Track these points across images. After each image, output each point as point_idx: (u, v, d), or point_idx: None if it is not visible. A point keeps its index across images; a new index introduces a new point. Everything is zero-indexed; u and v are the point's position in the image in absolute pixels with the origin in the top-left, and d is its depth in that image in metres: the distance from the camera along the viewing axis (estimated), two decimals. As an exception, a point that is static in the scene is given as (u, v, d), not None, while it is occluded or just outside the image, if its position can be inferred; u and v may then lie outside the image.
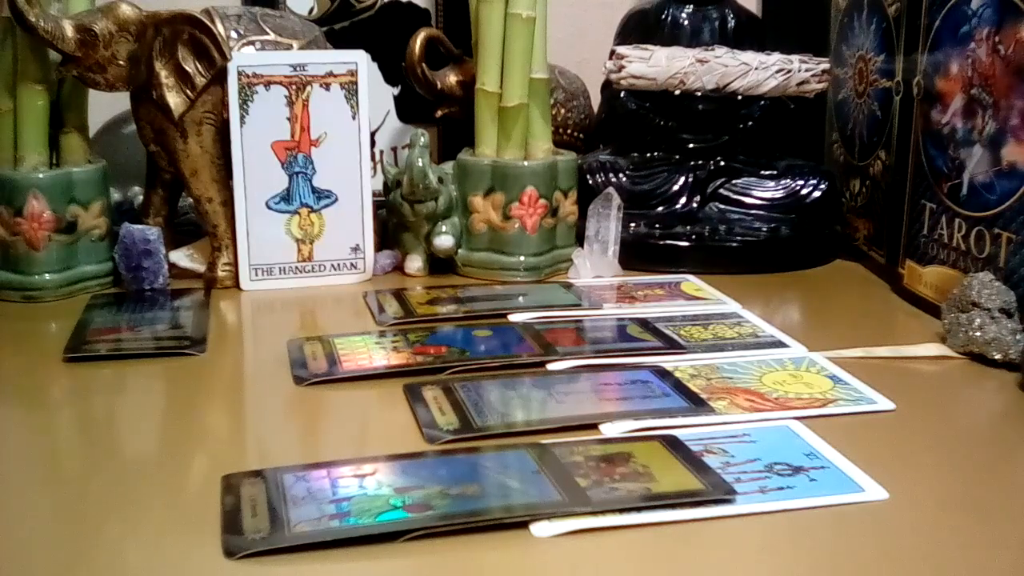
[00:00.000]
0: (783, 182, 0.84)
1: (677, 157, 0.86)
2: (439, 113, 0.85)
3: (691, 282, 0.77)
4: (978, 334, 0.59)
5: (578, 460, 0.45)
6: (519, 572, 0.38)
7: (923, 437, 0.50)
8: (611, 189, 0.79)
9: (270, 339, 0.63)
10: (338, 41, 0.86)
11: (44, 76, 0.72)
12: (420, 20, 0.90)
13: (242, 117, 0.72)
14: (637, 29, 0.90)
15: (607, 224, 0.77)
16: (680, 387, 0.55)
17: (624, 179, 0.84)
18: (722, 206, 0.84)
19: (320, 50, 0.78)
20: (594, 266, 0.77)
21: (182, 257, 0.76)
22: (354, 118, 0.75)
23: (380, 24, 0.90)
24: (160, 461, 0.47)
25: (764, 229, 0.83)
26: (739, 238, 0.82)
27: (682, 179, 0.84)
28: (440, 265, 0.78)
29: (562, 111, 0.92)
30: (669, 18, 0.90)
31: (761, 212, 0.84)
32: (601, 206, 0.78)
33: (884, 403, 0.53)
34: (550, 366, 0.58)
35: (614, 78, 0.84)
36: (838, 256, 0.85)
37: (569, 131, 0.93)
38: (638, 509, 0.41)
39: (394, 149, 0.92)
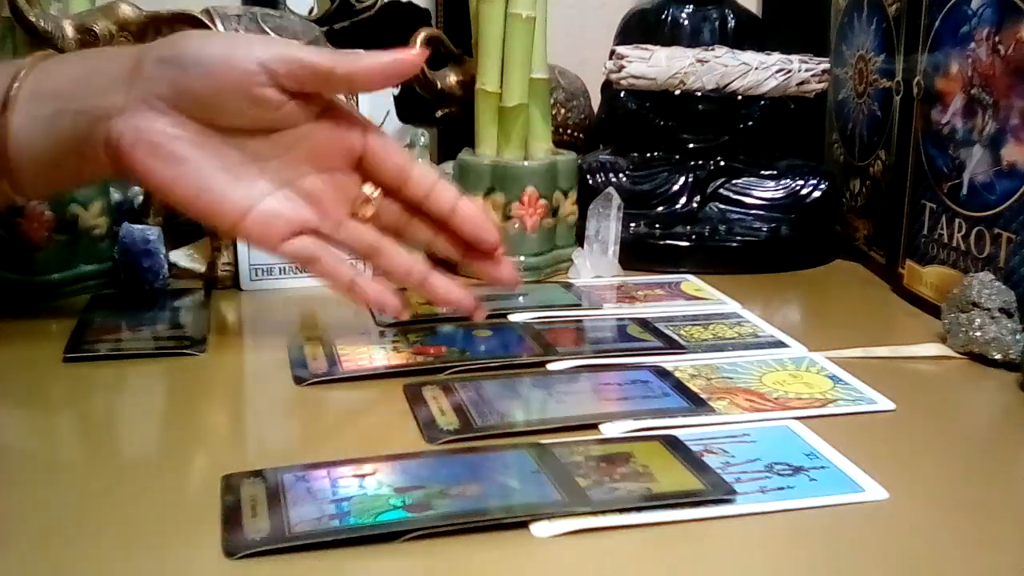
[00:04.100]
0: (783, 182, 0.84)
1: (677, 157, 0.86)
2: (439, 113, 0.85)
3: (691, 282, 0.77)
4: (978, 334, 0.59)
5: (578, 460, 0.45)
6: (519, 572, 0.38)
7: (923, 437, 0.50)
8: (611, 189, 0.79)
9: (270, 339, 0.63)
10: (338, 41, 0.86)
11: (44, 76, 0.72)
12: (420, 20, 0.90)
13: (242, 117, 0.72)
14: (637, 29, 0.91)
15: (607, 224, 0.77)
16: (680, 387, 0.55)
17: (624, 179, 0.84)
18: (722, 206, 0.84)
19: (320, 50, 0.78)
20: (594, 266, 0.77)
21: (182, 257, 0.76)
22: (354, 118, 0.74)
23: (380, 24, 0.90)
24: (160, 461, 0.47)
25: (764, 229, 0.83)
26: (739, 238, 0.82)
27: (682, 179, 0.84)
28: (440, 265, 0.78)
29: (562, 111, 0.92)
30: (669, 18, 0.90)
31: (761, 212, 0.84)
32: (601, 206, 0.78)
33: (884, 403, 0.53)
34: (550, 366, 0.58)
35: (614, 78, 0.84)
36: (838, 256, 0.85)
37: (569, 131, 0.93)
38: (638, 509, 0.41)
39: (394, 149, 0.92)
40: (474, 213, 0.58)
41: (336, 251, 0.57)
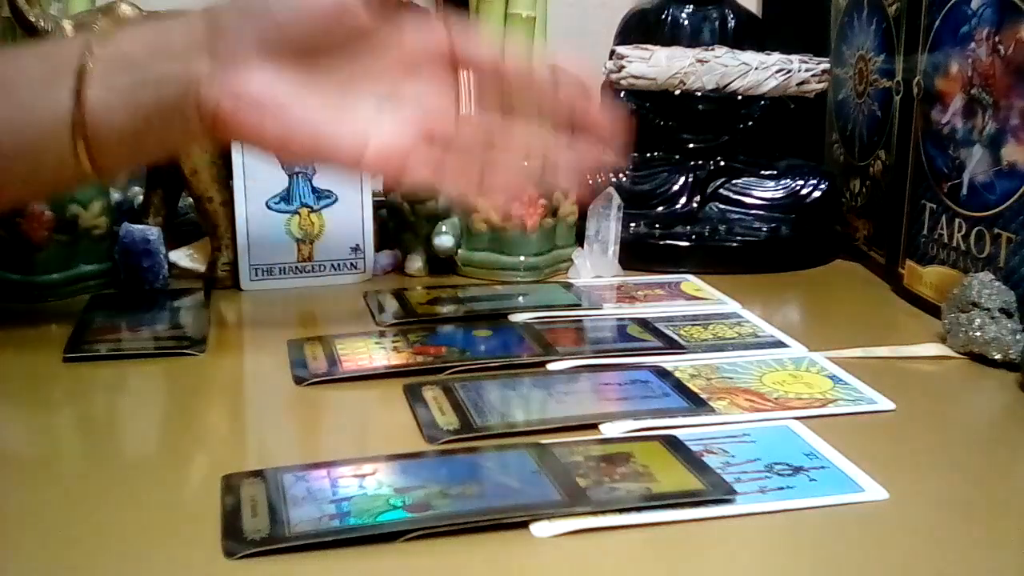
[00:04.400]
0: (783, 182, 0.84)
1: (677, 157, 0.86)
2: (439, 113, 0.85)
3: (691, 282, 0.77)
4: (978, 334, 0.59)
5: (578, 460, 0.45)
6: (519, 572, 0.38)
7: (923, 437, 0.50)
8: (611, 189, 0.79)
9: (270, 339, 0.63)
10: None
11: (44, 76, 0.72)
12: (420, 20, 0.90)
13: (242, 117, 0.72)
14: (637, 29, 0.91)
15: (607, 224, 0.77)
16: (680, 387, 0.55)
17: (624, 179, 0.84)
18: (722, 206, 0.84)
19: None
20: (594, 266, 0.77)
21: (182, 257, 0.76)
22: (354, 118, 0.74)
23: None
24: (160, 461, 0.47)
25: (764, 229, 0.83)
26: (739, 238, 0.82)
27: (682, 179, 0.84)
28: (440, 265, 0.78)
29: (562, 111, 0.92)
30: (669, 18, 0.90)
31: (761, 212, 0.84)
32: (601, 206, 0.78)
33: (884, 403, 0.53)
34: (550, 366, 0.58)
35: (614, 78, 0.84)
36: (838, 256, 0.85)
37: (569, 131, 0.93)
38: (638, 509, 0.41)
39: (394, 149, 0.92)
40: (576, 87, 0.56)
41: (458, 157, 0.55)
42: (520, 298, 0.71)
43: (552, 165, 0.56)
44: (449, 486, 0.42)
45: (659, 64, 0.83)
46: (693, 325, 0.66)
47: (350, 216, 0.76)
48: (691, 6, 0.90)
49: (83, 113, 0.51)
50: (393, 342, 0.61)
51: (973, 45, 0.65)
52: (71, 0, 0.73)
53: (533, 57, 0.56)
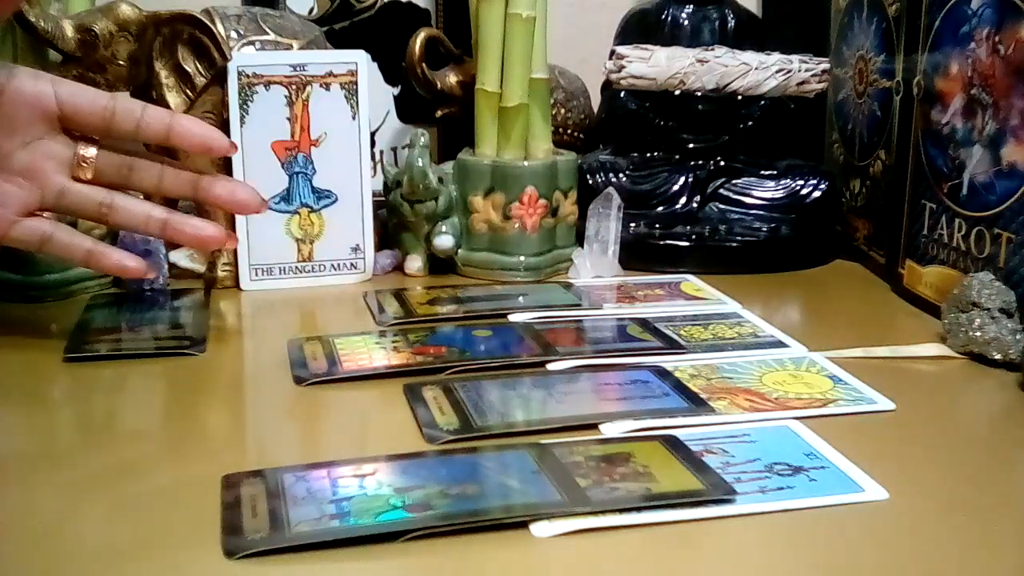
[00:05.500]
0: (783, 182, 0.84)
1: (677, 157, 0.86)
2: (439, 113, 0.85)
3: (691, 282, 0.77)
4: (978, 334, 0.59)
5: (578, 460, 0.45)
6: (519, 572, 0.38)
7: (923, 437, 0.50)
8: (611, 189, 0.79)
9: (270, 339, 0.63)
10: (338, 41, 0.86)
11: (44, 76, 0.72)
12: (420, 20, 0.90)
13: (242, 117, 0.72)
14: (637, 29, 0.91)
15: (607, 224, 0.77)
16: (680, 387, 0.55)
17: (624, 179, 0.84)
18: (722, 206, 0.84)
19: (320, 50, 0.78)
20: (594, 266, 0.77)
21: (182, 257, 0.76)
22: (354, 118, 0.75)
23: (380, 24, 0.90)
24: (160, 461, 0.47)
25: (764, 229, 0.83)
26: (739, 238, 0.82)
27: (682, 179, 0.84)
28: (440, 265, 0.78)
29: (562, 111, 0.92)
30: (669, 18, 0.90)
31: (761, 212, 0.84)
32: (601, 206, 0.78)
33: (884, 403, 0.53)
34: (550, 366, 0.58)
35: (614, 78, 0.84)
36: (838, 256, 0.85)
37: (569, 131, 0.93)
38: (638, 509, 0.41)
39: (394, 149, 0.92)
40: (193, 122, 0.58)
41: (66, 226, 0.57)
42: (520, 298, 0.71)
43: (169, 232, 0.59)
44: (449, 486, 0.42)
45: (659, 64, 0.83)
46: (693, 325, 0.66)
47: (350, 216, 0.76)
48: (691, 6, 0.90)
49: None
50: (393, 342, 0.61)
51: (973, 45, 0.65)
52: (71, 0, 0.73)
53: (155, 119, 0.57)
